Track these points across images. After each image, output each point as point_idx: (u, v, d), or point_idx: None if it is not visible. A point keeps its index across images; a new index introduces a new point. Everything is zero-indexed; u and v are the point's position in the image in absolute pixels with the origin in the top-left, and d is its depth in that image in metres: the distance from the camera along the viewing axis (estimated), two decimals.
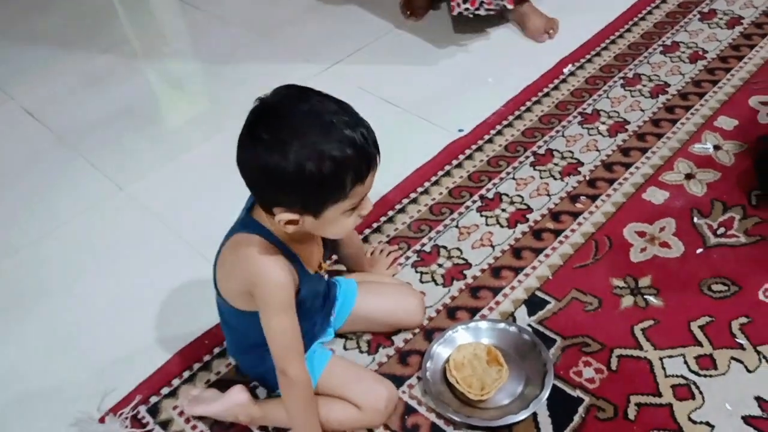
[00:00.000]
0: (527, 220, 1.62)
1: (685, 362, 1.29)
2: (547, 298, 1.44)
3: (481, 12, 2.14)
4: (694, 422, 1.21)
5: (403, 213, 1.67)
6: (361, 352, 1.38)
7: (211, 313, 1.39)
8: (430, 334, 1.39)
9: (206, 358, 1.41)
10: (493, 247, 1.57)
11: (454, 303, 1.46)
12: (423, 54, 2.26)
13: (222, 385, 1.34)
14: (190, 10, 2.70)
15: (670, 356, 1.31)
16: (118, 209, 1.80)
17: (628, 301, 1.42)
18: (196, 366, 1.39)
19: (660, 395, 1.25)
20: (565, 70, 2.08)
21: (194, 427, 1.29)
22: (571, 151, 1.80)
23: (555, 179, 1.72)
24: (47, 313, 1.56)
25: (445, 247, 1.58)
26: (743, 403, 1.23)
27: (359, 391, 1.23)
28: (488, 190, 1.71)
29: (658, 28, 2.23)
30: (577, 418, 1.23)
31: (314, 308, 1.24)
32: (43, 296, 1.60)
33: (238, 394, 1.27)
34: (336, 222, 1.06)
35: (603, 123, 1.88)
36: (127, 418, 1.32)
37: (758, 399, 1.23)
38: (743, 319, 1.35)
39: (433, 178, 1.76)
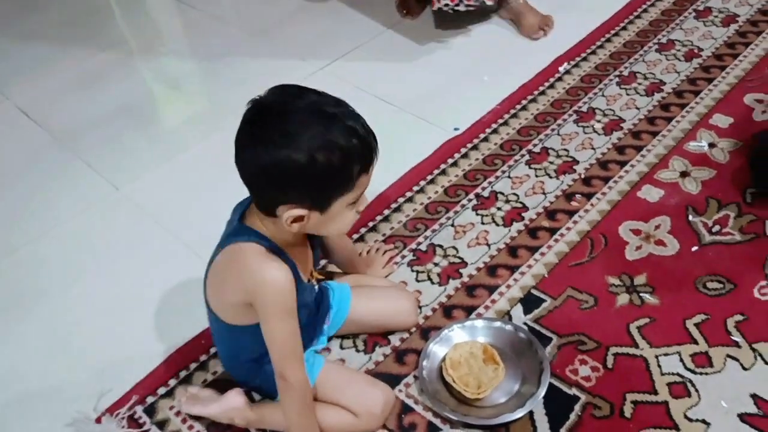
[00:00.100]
0: (523, 218, 1.62)
1: (681, 360, 1.30)
2: (542, 296, 1.44)
3: (461, 8, 2.16)
4: (690, 420, 1.21)
5: (399, 212, 1.67)
6: (358, 351, 1.38)
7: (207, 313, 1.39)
8: (426, 332, 1.40)
9: (203, 357, 1.41)
10: (488, 245, 1.57)
11: (450, 302, 1.46)
12: (419, 52, 2.26)
13: (219, 385, 1.34)
14: (186, 9, 2.69)
15: (666, 354, 1.31)
16: (115, 209, 1.80)
17: (623, 299, 1.42)
18: (193, 366, 1.39)
19: (656, 393, 1.25)
20: (561, 69, 2.09)
21: (191, 427, 1.29)
22: (566, 150, 1.80)
23: (550, 177, 1.72)
24: (45, 313, 1.56)
25: (440, 246, 1.58)
26: (739, 401, 1.23)
27: (354, 397, 1.23)
28: (484, 188, 1.71)
29: (654, 26, 2.23)
30: (573, 416, 1.24)
31: (309, 315, 1.23)
32: (41, 296, 1.60)
33: (234, 398, 1.27)
34: (339, 216, 1.07)
35: (598, 121, 1.88)
36: (123, 418, 1.32)
37: (754, 396, 1.23)
38: (738, 317, 1.35)
39: (429, 177, 1.76)
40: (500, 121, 1.91)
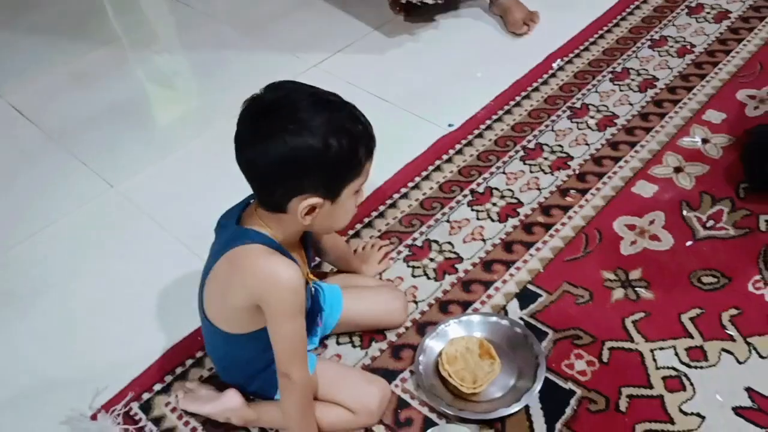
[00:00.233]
0: (518, 214, 1.63)
1: (676, 354, 1.30)
2: (538, 291, 1.45)
3: (429, 0, 2.18)
4: (685, 413, 1.22)
5: (395, 208, 1.68)
6: (354, 346, 1.38)
7: None
8: (422, 328, 1.40)
9: (199, 354, 1.40)
10: (484, 241, 1.57)
11: (446, 297, 1.46)
12: (412, 49, 2.26)
13: (215, 381, 1.34)
14: (179, 7, 2.69)
15: (661, 348, 1.32)
16: (110, 207, 1.80)
17: (618, 293, 1.42)
18: (189, 362, 1.39)
19: (651, 387, 1.26)
20: (554, 65, 2.09)
21: (186, 424, 1.29)
22: (560, 146, 1.80)
23: (545, 173, 1.73)
24: (40, 311, 1.55)
25: (436, 242, 1.58)
26: (734, 394, 1.23)
27: (351, 394, 1.23)
28: (479, 184, 1.72)
29: (646, 22, 2.24)
30: (569, 411, 1.24)
31: (306, 316, 1.23)
32: (36, 294, 1.59)
33: (232, 398, 1.26)
34: (345, 206, 1.08)
35: (592, 117, 1.89)
36: (119, 415, 1.31)
37: (748, 390, 1.24)
38: (733, 311, 1.36)
39: (424, 173, 1.76)
40: (494, 117, 1.92)
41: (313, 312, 1.28)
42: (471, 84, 2.07)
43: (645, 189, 1.65)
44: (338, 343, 1.39)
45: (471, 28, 2.31)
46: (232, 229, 1.12)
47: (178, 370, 1.38)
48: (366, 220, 1.65)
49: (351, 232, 1.62)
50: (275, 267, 1.06)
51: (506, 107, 1.95)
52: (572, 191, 1.67)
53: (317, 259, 1.47)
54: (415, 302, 1.45)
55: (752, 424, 1.19)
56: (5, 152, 2.03)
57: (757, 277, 1.42)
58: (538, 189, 1.68)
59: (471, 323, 1.37)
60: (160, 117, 2.25)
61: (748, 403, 1.22)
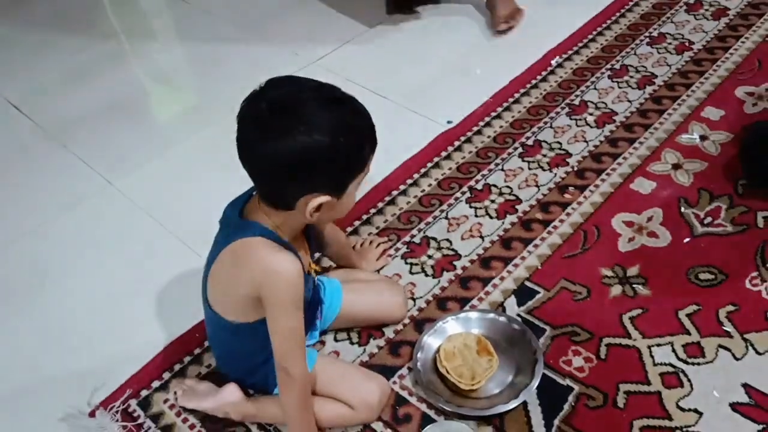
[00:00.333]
0: (516, 210, 1.63)
1: (673, 350, 1.31)
2: (536, 288, 1.45)
3: None
4: (683, 410, 1.22)
5: (393, 204, 1.68)
6: (352, 343, 1.38)
7: (200, 307, 1.38)
8: (420, 324, 1.40)
9: (197, 350, 1.40)
10: (482, 237, 1.57)
11: (444, 294, 1.46)
12: (411, 46, 2.26)
13: (214, 377, 1.34)
14: (176, 3, 2.68)
15: (659, 344, 1.32)
16: (108, 203, 1.79)
17: (616, 290, 1.43)
18: (187, 359, 1.39)
19: (649, 383, 1.26)
20: (553, 62, 2.09)
21: (185, 420, 1.29)
22: (559, 142, 1.80)
23: (543, 170, 1.73)
24: (37, 308, 1.55)
25: (434, 239, 1.58)
26: (731, 391, 1.24)
27: (350, 390, 1.23)
28: (477, 181, 1.72)
29: (645, 19, 2.24)
30: (566, 407, 1.24)
31: (306, 309, 1.23)
32: (34, 290, 1.59)
33: (232, 392, 1.27)
34: (349, 198, 1.08)
35: (591, 114, 1.89)
36: (117, 412, 1.31)
37: (745, 386, 1.24)
38: (730, 308, 1.36)
39: (423, 170, 1.76)
40: (493, 114, 1.92)
41: (313, 303, 1.29)
42: (470, 81, 2.07)
43: (643, 186, 1.65)
44: (336, 340, 1.39)
45: (470, 25, 2.31)
46: (235, 221, 1.12)
47: (177, 367, 1.38)
48: (364, 216, 1.65)
49: (349, 229, 1.62)
50: (275, 261, 1.06)
51: (505, 104, 1.95)
52: (571, 188, 1.67)
53: (317, 254, 1.47)
54: (413, 299, 1.45)
55: (749, 420, 1.19)
56: (2, 148, 2.03)
57: (755, 274, 1.42)
58: (537, 186, 1.68)
59: (469, 320, 1.37)
60: (158, 113, 2.25)
61: (744, 399, 1.22)
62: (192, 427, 1.28)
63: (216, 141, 1.94)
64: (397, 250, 1.57)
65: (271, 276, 1.06)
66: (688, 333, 1.33)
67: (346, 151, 1.00)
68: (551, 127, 1.86)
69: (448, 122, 1.90)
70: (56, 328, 1.50)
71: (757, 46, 2.05)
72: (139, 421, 1.30)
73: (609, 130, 1.82)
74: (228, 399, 1.26)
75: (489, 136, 1.85)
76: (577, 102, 1.93)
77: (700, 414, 1.21)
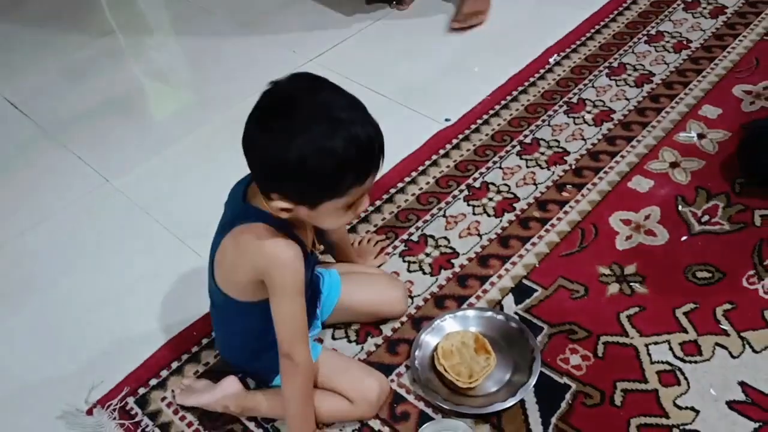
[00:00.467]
0: (514, 209, 1.63)
1: (671, 348, 1.31)
2: (534, 286, 1.45)
3: None
4: (680, 408, 1.22)
5: (391, 203, 1.68)
6: (350, 341, 1.39)
7: (198, 305, 1.39)
8: (418, 322, 1.40)
9: (194, 349, 1.40)
10: (480, 236, 1.57)
11: (442, 292, 1.46)
12: (409, 43, 2.26)
13: (211, 376, 1.34)
14: (174, 1, 2.68)
15: (656, 343, 1.32)
16: (105, 201, 1.80)
17: (614, 288, 1.43)
18: (185, 357, 1.39)
19: (646, 381, 1.26)
20: (551, 60, 2.09)
21: (183, 418, 1.29)
22: (557, 140, 1.80)
23: (541, 168, 1.73)
24: (35, 306, 1.55)
25: (432, 237, 1.58)
26: (727, 389, 1.24)
27: (351, 384, 1.24)
28: (475, 179, 1.72)
29: (643, 17, 2.24)
30: (564, 405, 1.24)
31: (306, 298, 1.24)
32: (31, 289, 1.59)
33: (231, 384, 1.27)
34: (330, 216, 1.06)
35: (589, 112, 1.89)
36: (115, 410, 1.31)
37: (742, 384, 1.24)
38: (727, 306, 1.36)
39: (421, 168, 1.76)
40: (491, 112, 1.92)
41: (313, 294, 1.29)
42: (468, 79, 2.07)
43: (641, 184, 1.65)
44: (334, 338, 1.39)
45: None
46: (238, 205, 1.12)
47: (174, 365, 1.38)
48: (362, 214, 1.65)
49: (347, 227, 1.61)
50: (276, 247, 1.07)
51: (503, 102, 1.95)
52: (568, 186, 1.67)
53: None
54: (411, 297, 1.45)
55: (746, 418, 1.19)
56: (0, 146, 2.03)
57: (752, 272, 1.42)
58: (535, 184, 1.68)
59: (466, 318, 1.37)
60: (156, 111, 2.25)
61: (741, 397, 1.23)
62: (190, 424, 1.28)
63: (214, 138, 1.95)
64: (395, 248, 1.57)
65: (271, 262, 1.07)
66: (686, 331, 1.33)
67: (313, 173, 0.97)
68: (549, 125, 1.86)
69: (447, 120, 1.90)
70: (53, 326, 1.50)
71: (754, 45, 2.05)
72: (137, 419, 1.30)
73: (607, 129, 1.82)
74: (227, 391, 1.27)
75: (487, 134, 1.85)
76: (575, 100, 1.93)
77: (697, 412, 1.21)
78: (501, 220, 1.60)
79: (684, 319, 1.35)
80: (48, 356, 1.45)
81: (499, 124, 1.87)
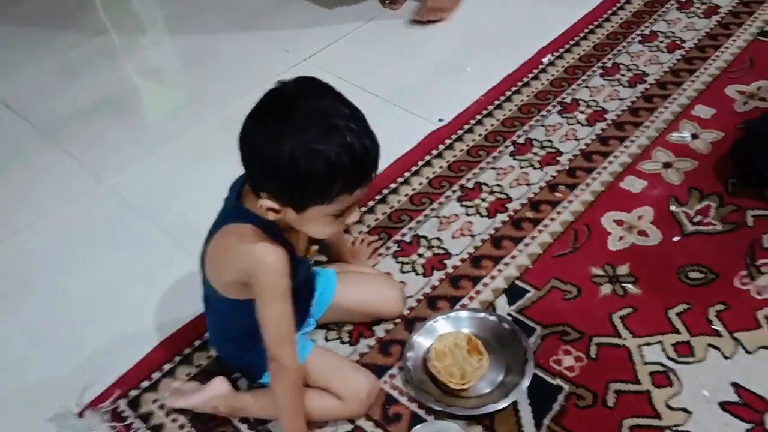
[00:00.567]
0: (507, 209, 1.63)
1: (663, 349, 1.31)
2: (526, 287, 1.45)
3: None
4: (672, 409, 1.22)
5: (384, 203, 1.67)
6: (343, 342, 1.38)
7: (191, 306, 1.39)
8: (410, 323, 1.40)
9: (186, 351, 1.40)
10: (473, 236, 1.57)
11: (435, 293, 1.46)
12: (402, 43, 2.26)
13: (203, 377, 1.34)
14: (168, 0, 2.67)
15: (648, 344, 1.32)
16: (99, 202, 1.79)
17: (606, 289, 1.43)
18: (177, 359, 1.39)
19: (638, 382, 1.26)
20: (545, 60, 2.09)
21: (174, 420, 1.29)
22: (550, 141, 1.80)
23: (534, 169, 1.73)
24: (27, 307, 1.55)
25: (425, 237, 1.58)
26: (720, 390, 1.24)
27: (341, 382, 1.24)
28: (468, 179, 1.71)
29: (637, 17, 2.24)
30: (556, 406, 1.24)
31: (299, 297, 1.24)
32: (24, 290, 1.59)
33: (219, 385, 1.27)
34: (317, 222, 1.05)
35: (582, 112, 1.89)
36: (106, 412, 1.31)
37: (735, 385, 1.24)
38: (720, 306, 1.37)
39: (414, 168, 1.76)
40: (484, 112, 1.92)
41: (308, 292, 1.29)
42: (461, 79, 2.07)
43: (634, 184, 1.65)
44: (327, 339, 1.39)
45: (461, 23, 2.31)
46: (231, 204, 1.13)
47: (166, 367, 1.38)
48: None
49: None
50: (260, 251, 1.07)
51: (496, 102, 1.95)
52: (561, 187, 1.67)
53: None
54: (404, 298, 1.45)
55: (738, 419, 1.20)
56: None
57: (744, 273, 1.42)
58: (528, 184, 1.68)
59: (459, 319, 1.37)
60: (150, 110, 2.24)
61: (734, 398, 1.23)
62: (181, 427, 1.28)
63: (208, 138, 1.94)
64: (387, 248, 1.56)
65: (255, 267, 1.07)
66: (678, 332, 1.33)
67: (303, 176, 0.97)
68: (542, 125, 1.86)
69: (440, 120, 1.90)
70: (46, 328, 1.50)
71: (748, 45, 2.05)
72: (128, 422, 1.30)
73: (600, 129, 1.82)
74: (216, 391, 1.27)
75: (480, 135, 1.84)
76: (568, 100, 1.93)
77: (690, 413, 1.21)
78: (494, 221, 1.60)
79: (677, 319, 1.35)
80: (40, 357, 1.44)
81: (492, 125, 1.87)
